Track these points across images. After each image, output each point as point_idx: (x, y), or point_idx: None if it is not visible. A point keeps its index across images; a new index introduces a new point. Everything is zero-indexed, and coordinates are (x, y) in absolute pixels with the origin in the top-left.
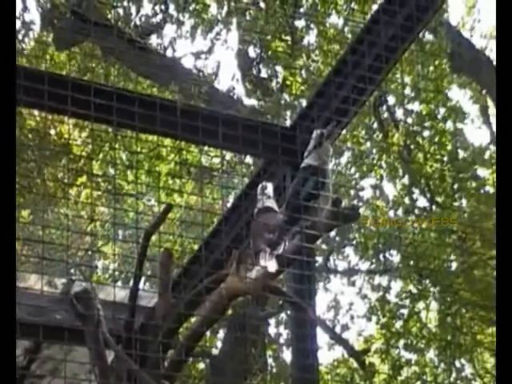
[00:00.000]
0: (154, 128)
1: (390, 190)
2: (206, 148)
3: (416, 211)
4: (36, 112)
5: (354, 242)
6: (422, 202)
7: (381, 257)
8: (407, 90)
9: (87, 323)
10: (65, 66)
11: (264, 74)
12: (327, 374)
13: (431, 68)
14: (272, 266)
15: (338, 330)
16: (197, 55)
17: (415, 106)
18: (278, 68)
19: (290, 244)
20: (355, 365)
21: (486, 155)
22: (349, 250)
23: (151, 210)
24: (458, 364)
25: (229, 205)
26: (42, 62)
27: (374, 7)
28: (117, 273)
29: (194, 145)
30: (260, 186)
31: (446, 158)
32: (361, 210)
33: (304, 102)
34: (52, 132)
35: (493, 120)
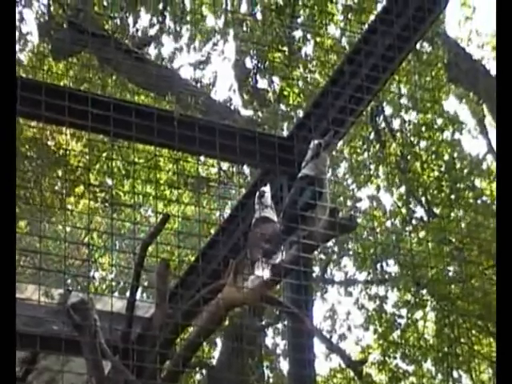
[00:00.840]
0: (151, 138)
1: (387, 200)
2: (202, 158)
3: (413, 221)
4: (33, 122)
5: (351, 252)
6: (420, 212)
7: (378, 267)
8: (404, 100)
9: (84, 334)
10: (62, 77)
11: (261, 84)
12: None
13: (428, 78)
14: (268, 276)
15: (335, 340)
16: (194, 66)
17: (412, 116)
18: (275, 78)
19: (287, 254)
20: (352, 375)
21: (484, 165)
22: (346, 261)
23: (148, 220)
24: (455, 375)
25: (226, 215)
26: (39, 72)
27: (372, 17)
28: (114, 283)
29: (191, 155)
30: (258, 192)
31: (443, 168)
32: (358, 220)
33: (301, 113)
34: (49, 142)
35: (490, 130)
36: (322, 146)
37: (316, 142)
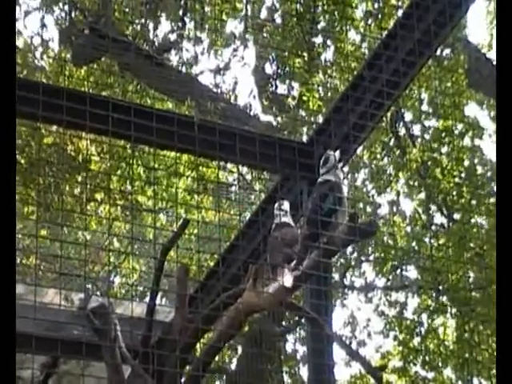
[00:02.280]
0: (171, 143)
1: (407, 205)
2: (222, 163)
3: (433, 227)
4: (54, 128)
5: (371, 258)
6: (440, 218)
7: (398, 272)
8: (424, 106)
9: (104, 338)
10: (83, 83)
11: (281, 90)
12: None
13: (448, 84)
14: (289, 281)
15: (354, 346)
16: (214, 71)
17: (432, 122)
18: (295, 84)
19: (307, 259)
20: (372, 381)
21: None
22: (365, 266)
23: (169, 225)
24: (476, 381)
25: (245, 220)
26: (60, 78)
27: (392, 23)
28: (134, 288)
29: (211, 160)
30: (277, 203)
31: (463, 174)
32: (378, 226)
33: (320, 119)
34: (70, 148)
35: None
36: (337, 159)
37: (331, 153)
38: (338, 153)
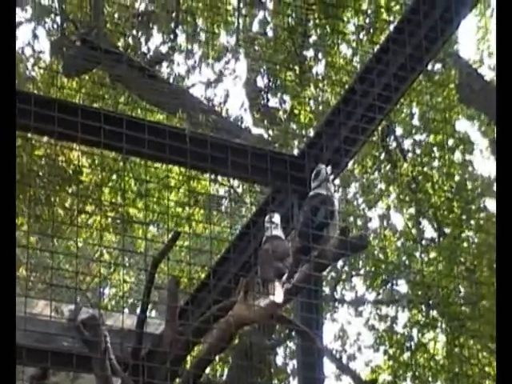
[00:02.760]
0: (162, 155)
1: (398, 219)
2: (213, 176)
3: (424, 241)
4: (45, 139)
5: (362, 272)
6: (430, 233)
7: (388, 287)
8: (415, 121)
9: (94, 350)
10: (75, 94)
11: (272, 103)
12: None
13: (439, 99)
14: (279, 296)
15: (344, 360)
16: (205, 84)
17: (423, 137)
18: (286, 97)
19: (298, 273)
20: None
21: (495, 186)
22: (356, 280)
23: (160, 237)
24: None
25: (236, 233)
26: (51, 89)
27: (383, 37)
28: (124, 300)
29: (203, 173)
30: (268, 215)
31: (454, 189)
32: (368, 240)
33: (312, 132)
34: (61, 159)
35: None
36: (329, 173)
37: (323, 166)
38: (329, 167)
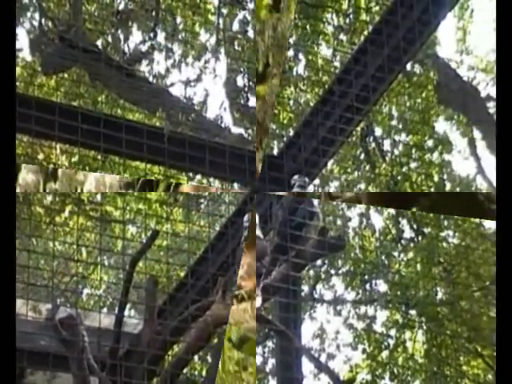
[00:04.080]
0: (141, 154)
1: (377, 219)
2: (192, 175)
3: (402, 241)
4: (24, 138)
5: (341, 271)
6: (409, 233)
7: (367, 286)
8: (394, 121)
9: (72, 349)
10: (53, 92)
11: (252, 102)
12: None
13: (418, 99)
14: (258, 301)
15: (323, 359)
16: (185, 83)
17: (402, 137)
18: None
19: (276, 272)
20: None
21: (473, 187)
22: (335, 279)
23: (138, 237)
24: None
25: (215, 232)
26: (30, 87)
27: (362, 38)
28: (102, 299)
29: (182, 172)
30: (246, 215)
31: (432, 189)
32: (347, 240)
33: (291, 132)
34: (40, 157)
35: (480, 151)
36: (307, 183)
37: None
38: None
